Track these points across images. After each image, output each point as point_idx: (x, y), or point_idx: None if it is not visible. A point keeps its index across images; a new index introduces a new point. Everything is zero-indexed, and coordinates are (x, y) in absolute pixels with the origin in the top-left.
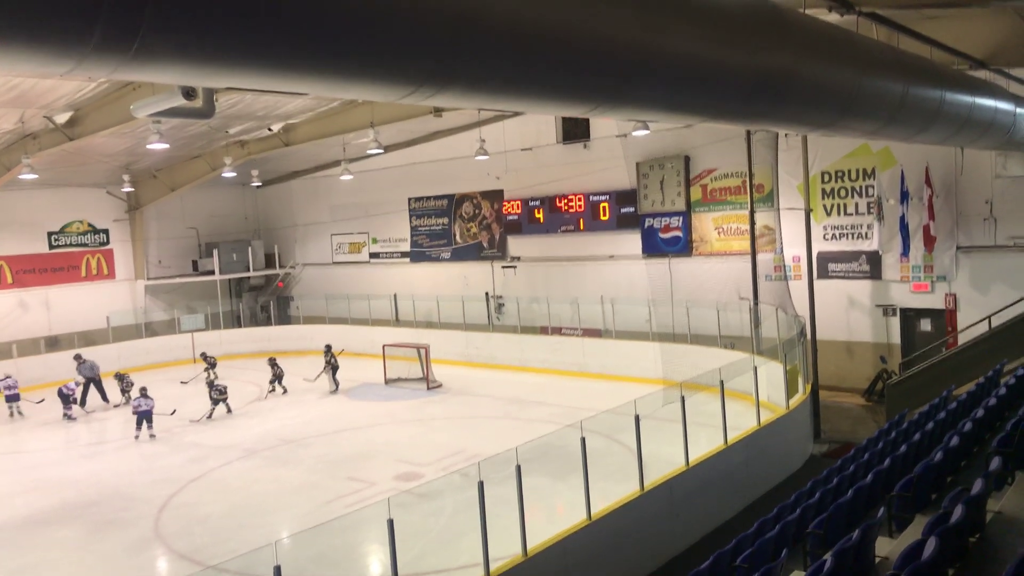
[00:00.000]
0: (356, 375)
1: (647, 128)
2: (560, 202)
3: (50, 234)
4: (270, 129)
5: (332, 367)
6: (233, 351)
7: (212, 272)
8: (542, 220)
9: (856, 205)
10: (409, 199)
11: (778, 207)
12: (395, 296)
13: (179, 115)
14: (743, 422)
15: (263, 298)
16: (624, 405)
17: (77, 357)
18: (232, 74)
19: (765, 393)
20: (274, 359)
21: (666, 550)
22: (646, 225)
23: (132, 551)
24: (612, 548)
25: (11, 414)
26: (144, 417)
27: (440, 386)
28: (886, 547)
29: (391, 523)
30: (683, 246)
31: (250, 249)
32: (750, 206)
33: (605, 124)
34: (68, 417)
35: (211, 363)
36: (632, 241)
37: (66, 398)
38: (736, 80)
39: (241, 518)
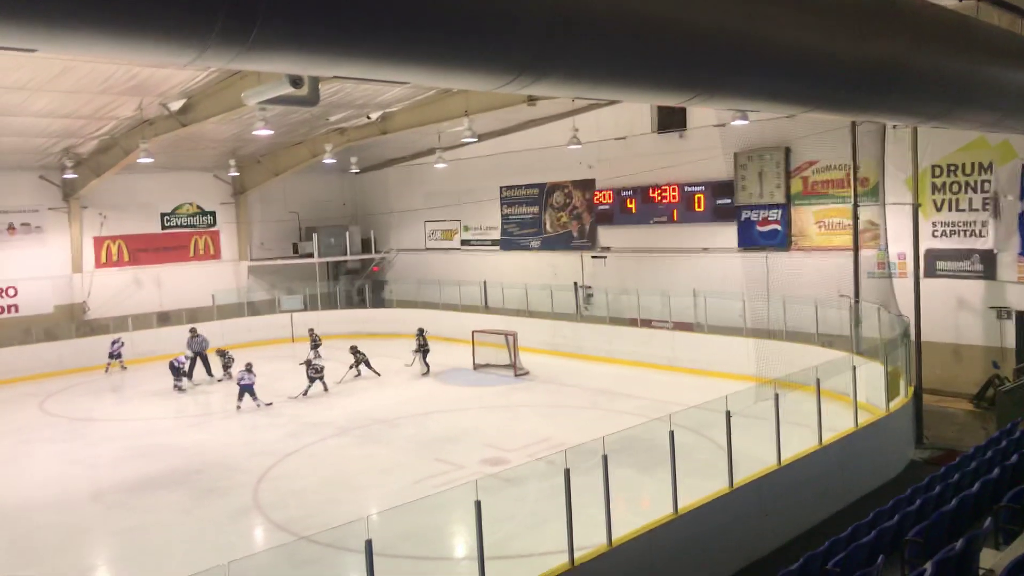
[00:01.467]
0: (445, 359)
1: (746, 118)
2: (653, 192)
3: (163, 215)
4: (368, 117)
5: (424, 350)
6: (330, 331)
7: (311, 255)
8: (634, 210)
9: (970, 201)
10: (501, 187)
11: (884, 202)
12: (485, 283)
13: (286, 103)
14: (839, 423)
15: (359, 281)
16: (714, 401)
17: (192, 331)
18: (340, 63)
19: (864, 394)
20: (355, 346)
21: (754, 549)
22: (743, 217)
23: (232, 518)
24: (698, 544)
25: (106, 369)
26: (247, 390)
27: (527, 373)
28: (991, 559)
29: (479, 505)
30: (781, 240)
31: (347, 234)
32: (854, 200)
33: (702, 113)
34: (178, 388)
35: (316, 342)
36: (727, 234)
37: (177, 370)
38: (843, 69)
39: (333, 493)
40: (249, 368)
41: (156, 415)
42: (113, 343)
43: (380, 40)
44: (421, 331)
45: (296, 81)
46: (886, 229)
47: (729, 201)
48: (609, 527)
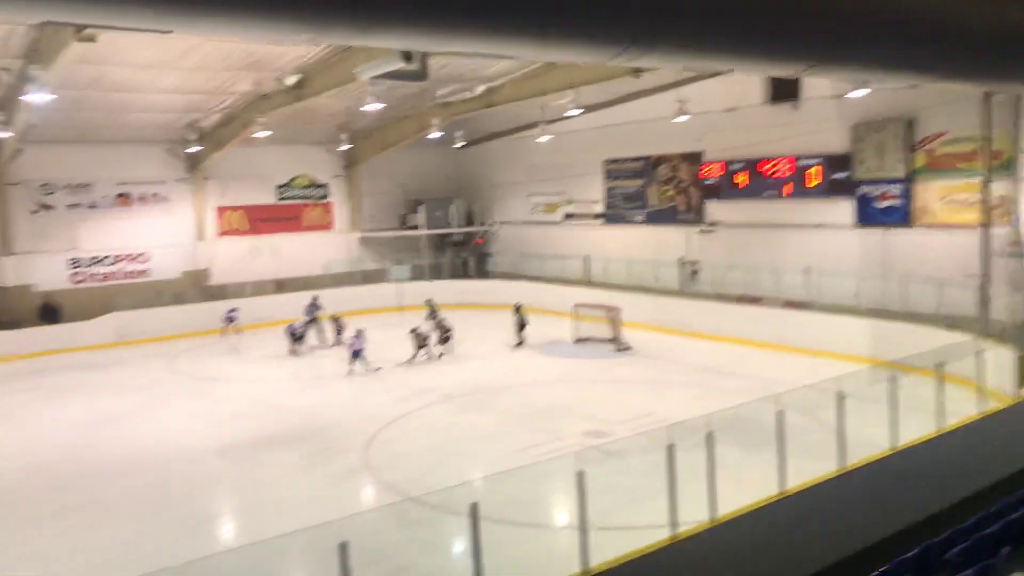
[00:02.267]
0: (547, 332)
1: (866, 88)
2: (764, 166)
3: (278, 187)
4: (474, 91)
5: (520, 324)
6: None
7: (417, 227)
8: (743, 184)
9: None
10: (605, 161)
11: (1018, 176)
12: (587, 257)
13: (397, 78)
14: (961, 409)
15: (463, 253)
16: (825, 381)
17: (314, 298)
18: (453, 39)
19: (990, 380)
20: (417, 328)
21: (864, 535)
22: (860, 193)
23: (344, 477)
24: (805, 526)
25: (221, 334)
26: (357, 355)
27: (629, 349)
28: None
29: (582, 475)
30: (902, 216)
31: (452, 207)
32: (985, 175)
33: (817, 84)
34: (294, 353)
35: (431, 312)
36: (842, 209)
37: (294, 335)
38: (977, 36)
39: (438, 457)
40: (360, 334)
41: (274, 377)
42: (230, 310)
43: (490, 15)
44: (518, 306)
45: (407, 56)
46: (1020, 205)
47: (845, 175)
48: (712, 504)
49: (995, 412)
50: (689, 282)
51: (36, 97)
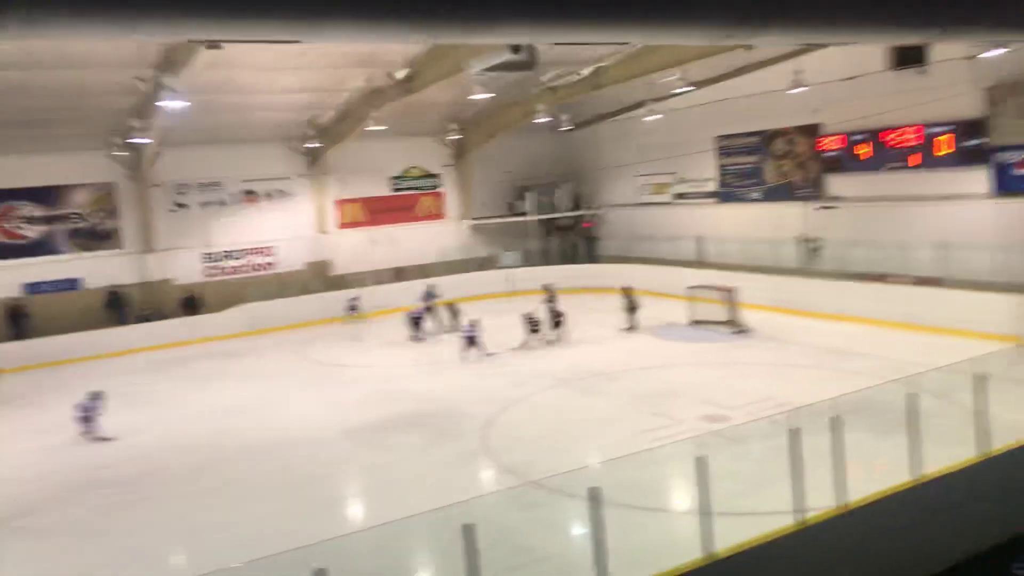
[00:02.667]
0: (661, 315)
1: (1005, 47)
2: (888, 136)
3: (392, 178)
4: (580, 74)
5: (631, 306)
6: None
7: (525, 213)
8: (866, 156)
9: None
10: (717, 137)
11: None
12: (700, 237)
13: (506, 69)
14: None
15: (572, 237)
16: (962, 362)
17: (429, 287)
18: (561, 30)
19: None
20: (530, 313)
21: (1005, 525)
22: (997, 160)
23: (463, 460)
24: (942, 515)
25: (344, 321)
26: (472, 341)
27: (747, 331)
28: None
29: (703, 461)
30: None
31: (559, 191)
32: None
33: (945, 46)
34: (414, 339)
35: (549, 296)
36: (976, 178)
37: (414, 321)
38: None
39: (554, 441)
40: (475, 324)
41: (394, 363)
42: (351, 298)
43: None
44: (627, 289)
45: (515, 47)
46: None
47: (980, 142)
48: (841, 491)
49: None
50: (809, 260)
51: (171, 104)
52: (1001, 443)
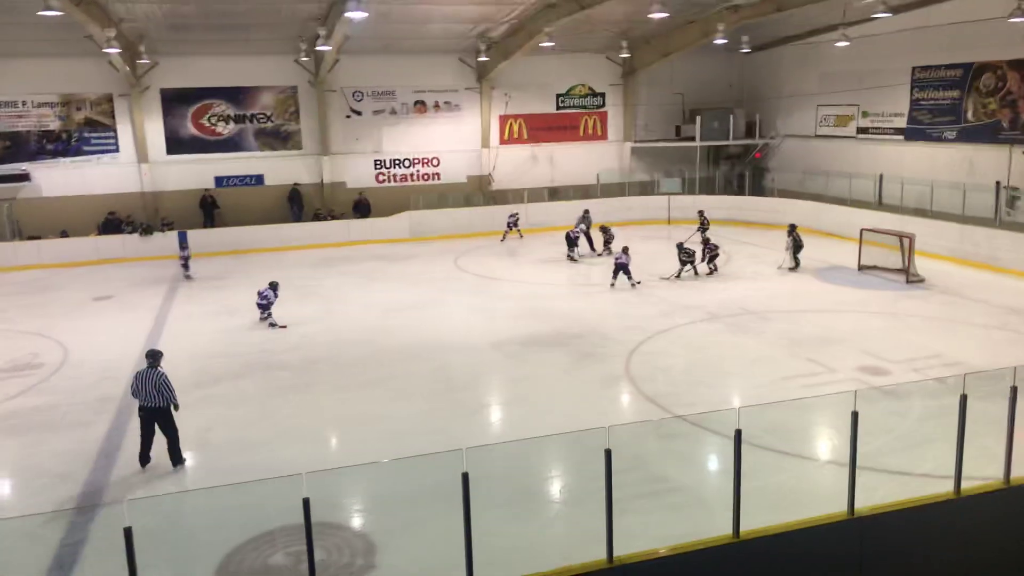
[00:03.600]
0: (827, 256)
1: None
2: None
3: (557, 96)
4: None
5: (796, 246)
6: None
7: (693, 138)
8: None
9: None
10: (913, 68)
11: None
12: (880, 176)
13: None
14: None
15: (739, 167)
16: None
17: (585, 211)
18: None
19: None
20: (683, 243)
21: None
22: None
23: (605, 383)
24: None
25: (503, 237)
26: (622, 269)
27: (922, 281)
28: None
29: (855, 415)
30: None
31: (732, 117)
32: None
33: None
34: (570, 258)
35: (703, 225)
36: None
37: (572, 241)
38: None
39: (700, 375)
40: (626, 250)
41: (546, 280)
42: (511, 215)
43: None
44: (792, 226)
45: None
46: None
47: None
48: (1008, 464)
49: None
50: (1007, 211)
51: (354, 13)
52: None
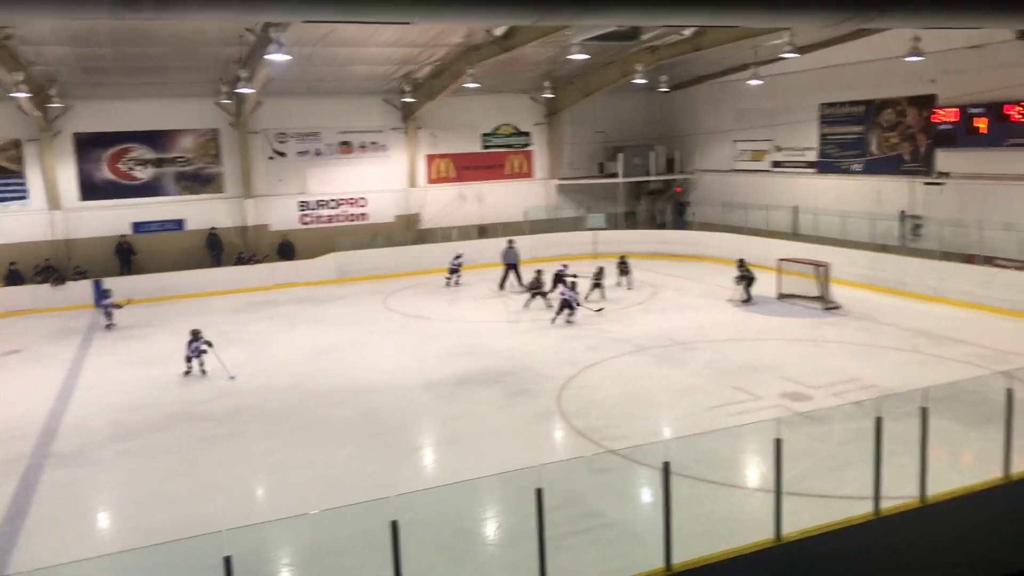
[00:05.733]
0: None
1: None
2: (1011, 111)
3: (484, 135)
4: (681, 34)
5: (747, 278)
6: (630, 251)
7: (616, 175)
8: (984, 131)
9: None
10: (820, 105)
11: None
12: (796, 208)
13: (609, 39)
14: None
15: (661, 202)
16: None
17: (510, 241)
18: (672, 13)
19: None
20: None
21: None
22: None
23: (538, 419)
24: None
25: (447, 284)
26: (566, 305)
27: (839, 307)
28: None
29: (779, 442)
30: None
31: (652, 154)
32: None
33: None
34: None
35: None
36: None
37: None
38: None
39: (630, 407)
40: (573, 286)
41: (477, 318)
42: (456, 257)
43: None
44: (741, 261)
45: None
46: None
47: None
48: (923, 482)
49: None
50: (910, 238)
51: (276, 56)
52: None
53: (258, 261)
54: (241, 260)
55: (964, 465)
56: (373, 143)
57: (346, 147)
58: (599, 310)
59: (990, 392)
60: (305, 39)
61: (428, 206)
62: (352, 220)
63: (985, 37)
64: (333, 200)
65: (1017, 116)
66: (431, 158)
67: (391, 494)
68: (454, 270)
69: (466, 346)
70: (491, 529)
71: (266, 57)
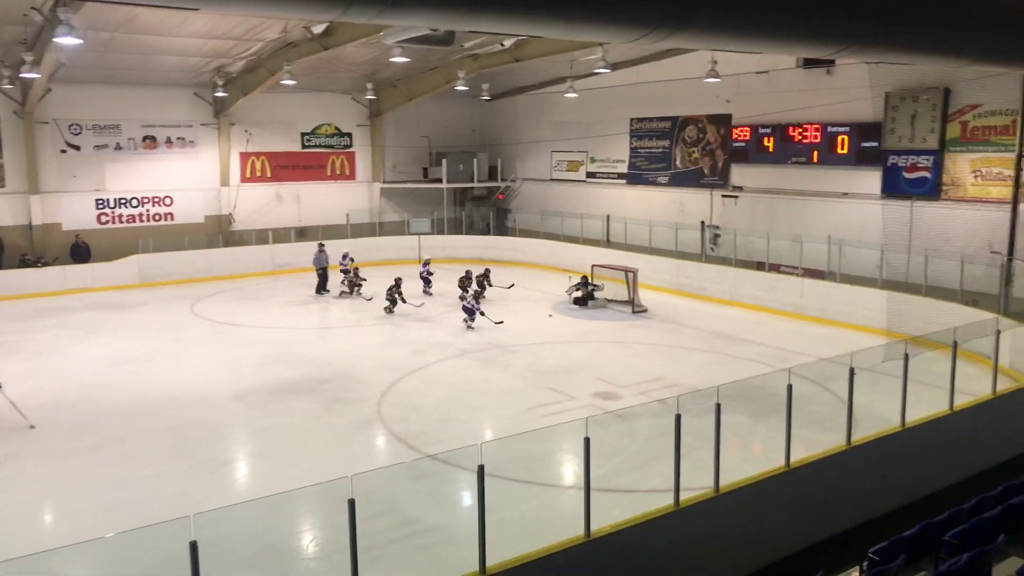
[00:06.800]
0: (562, 291)
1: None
2: (794, 131)
3: (303, 135)
4: (502, 44)
5: (586, 289)
6: (454, 256)
7: (440, 180)
8: (771, 149)
9: None
10: (631, 119)
11: None
12: (608, 217)
13: (424, 43)
14: (976, 388)
15: (484, 208)
16: (841, 356)
17: (320, 245)
18: (477, 20)
19: (1007, 359)
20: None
21: (867, 510)
22: (889, 163)
23: (357, 428)
24: (809, 499)
25: (342, 283)
26: (468, 313)
27: (646, 311)
28: None
29: (587, 441)
30: (930, 188)
31: (475, 161)
32: (1018, 149)
33: None
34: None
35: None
36: (870, 179)
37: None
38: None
39: (451, 412)
40: (477, 295)
41: (292, 325)
42: (344, 256)
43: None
44: (585, 278)
45: None
46: None
47: (875, 144)
48: (717, 474)
49: (1007, 393)
50: (710, 247)
51: (65, 39)
52: (868, 432)
53: (47, 263)
54: (26, 262)
55: (754, 456)
56: (181, 138)
57: (150, 142)
58: (420, 305)
59: (775, 388)
60: (103, 23)
61: (241, 207)
62: (157, 220)
63: (771, 63)
64: (135, 198)
65: (798, 137)
66: (245, 156)
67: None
68: (346, 271)
69: (281, 354)
70: (305, 543)
71: (55, 40)
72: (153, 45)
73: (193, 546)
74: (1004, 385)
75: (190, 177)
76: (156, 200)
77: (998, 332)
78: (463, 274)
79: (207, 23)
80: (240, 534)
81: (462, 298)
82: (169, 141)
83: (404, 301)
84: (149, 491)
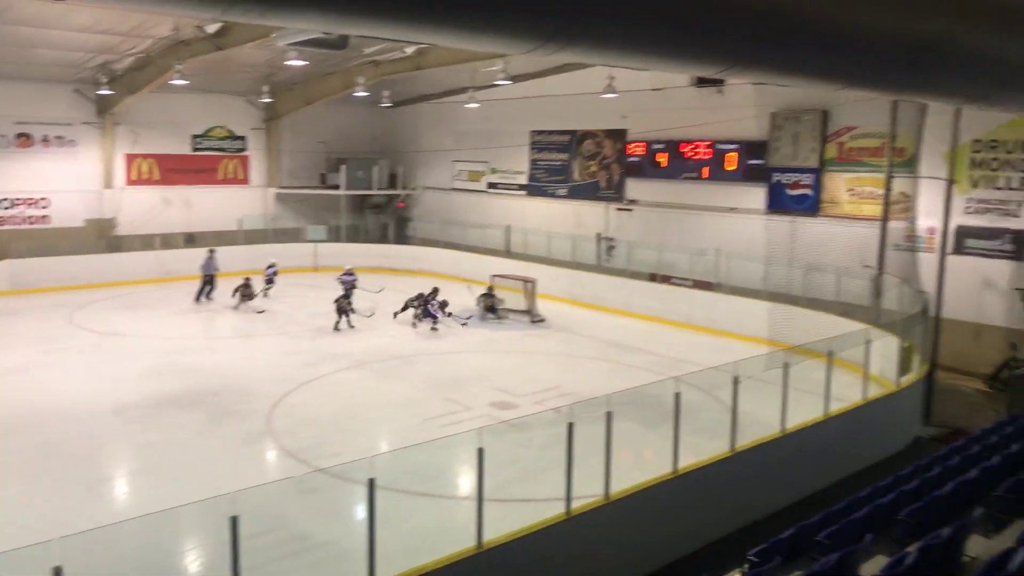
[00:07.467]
0: (463, 301)
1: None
2: (685, 148)
3: (194, 137)
4: (404, 52)
5: (490, 302)
6: (353, 264)
7: (338, 187)
8: (664, 165)
9: (1008, 179)
10: (531, 132)
11: (918, 174)
12: (508, 228)
13: (317, 46)
14: (849, 394)
15: (383, 217)
16: (727, 364)
17: (211, 251)
18: (365, 24)
19: (877, 367)
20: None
21: (750, 512)
22: (773, 180)
23: (245, 441)
24: (695, 503)
25: (265, 293)
26: (429, 316)
27: (543, 321)
28: (979, 547)
29: (481, 451)
30: (811, 205)
31: (375, 168)
32: (887, 170)
33: None
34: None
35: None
36: (756, 195)
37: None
38: (885, 47)
39: (345, 424)
40: (443, 305)
41: (179, 335)
42: (269, 266)
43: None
44: (490, 290)
45: None
46: (917, 202)
47: (761, 162)
48: (607, 481)
49: (876, 399)
50: (605, 258)
51: None
52: (751, 438)
53: None
54: None
55: (644, 462)
56: (59, 137)
57: (25, 139)
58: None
59: (665, 396)
60: None
61: (126, 210)
62: (31, 223)
63: (665, 81)
64: (6, 199)
65: (690, 153)
66: (131, 158)
67: (66, 534)
68: (270, 280)
69: (167, 365)
70: (187, 563)
71: None
72: (29, 37)
73: (57, 572)
74: (874, 391)
75: (69, 178)
76: (30, 202)
77: (868, 342)
78: (416, 295)
79: (90, 16)
80: (115, 557)
81: (417, 307)
82: (46, 140)
83: (251, 300)
84: (14, 513)
